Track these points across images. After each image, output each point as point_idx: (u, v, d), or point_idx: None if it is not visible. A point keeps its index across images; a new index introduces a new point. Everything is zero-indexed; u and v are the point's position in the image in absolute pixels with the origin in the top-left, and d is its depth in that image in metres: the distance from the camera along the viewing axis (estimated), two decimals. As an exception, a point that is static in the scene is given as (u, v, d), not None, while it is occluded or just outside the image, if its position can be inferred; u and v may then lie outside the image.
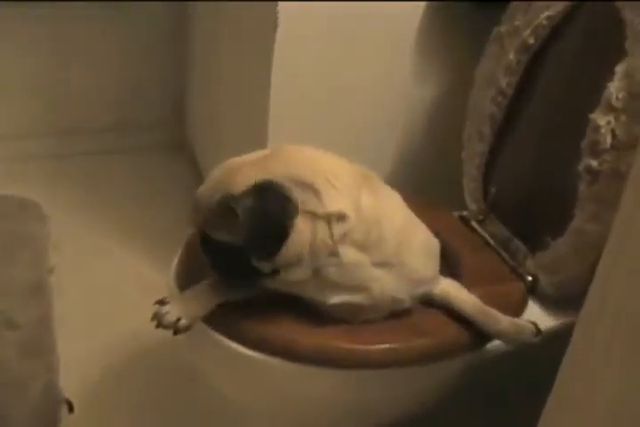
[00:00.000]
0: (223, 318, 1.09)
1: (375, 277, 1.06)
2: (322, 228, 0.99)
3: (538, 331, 1.12)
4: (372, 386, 1.12)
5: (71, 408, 1.47)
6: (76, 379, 1.54)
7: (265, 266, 1.01)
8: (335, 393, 1.12)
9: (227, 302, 1.08)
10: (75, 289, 1.79)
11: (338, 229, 1.00)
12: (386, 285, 1.08)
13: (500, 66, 1.35)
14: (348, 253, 1.02)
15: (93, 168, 2.31)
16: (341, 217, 1.00)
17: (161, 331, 1.66)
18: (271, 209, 0.97)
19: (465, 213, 1.42)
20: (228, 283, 1.08)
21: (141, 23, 2.26)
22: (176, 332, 1.06)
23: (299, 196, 0.98)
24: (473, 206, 1.42)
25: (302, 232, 0.98)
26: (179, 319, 1.05)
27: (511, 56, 1.32)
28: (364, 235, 1.03)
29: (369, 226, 1.03)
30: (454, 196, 1.47)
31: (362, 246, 1.03)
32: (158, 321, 1.06)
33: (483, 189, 1.41)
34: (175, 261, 1.23)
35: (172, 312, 1.05)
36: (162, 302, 1.07)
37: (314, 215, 0.98)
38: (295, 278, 1.02)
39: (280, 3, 1.43)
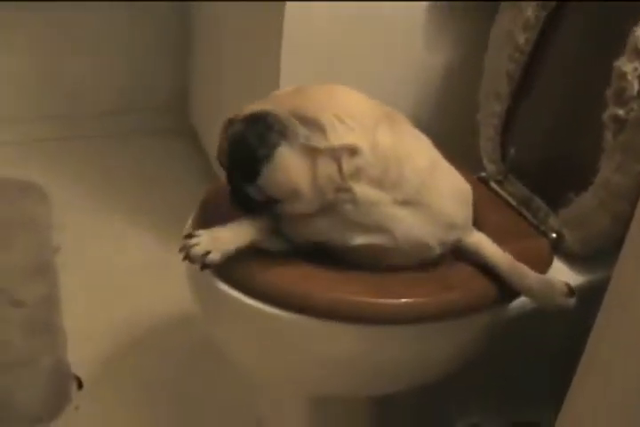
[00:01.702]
0: (241, 273, 1.05)
1: (397, 216, 1.04)
2: (325, 162, 0.98)
3: (570, 292, 1.07)
4: (398, 342, 1.08)
5: (80, 385, 1.46)
6: (84, 356, 1.54)
7: (255, 193, 1.00)
8: (358, 350, 1.08)
9: (250, 252, 1.04)
10: (82, 268, 1.78)
11: (348, 164, 0.99)
12: (410, 226, 1.05)
13: (517, 23, 1.31)
14: (364, 190, 1.01)
15: (98, 151, 2.30)
16: (352, 152, 0.99)
17: (168, 308, 1.68)
18: (250, 136, 0.98)
19: (483, 174, 1.39)
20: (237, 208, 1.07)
21: (147, 8, 2.25)
22: (203, 267, 1.01)
23: (302, 131, 0.98)
24: (491, 167, 1.39)
25: (298, 166, 0.98)
26: (208, 253, 1.00)
27: (529, 12, 1.29)
28: (381, 172, 1.01)
29: (387, 163, 1.01)
30: (468, 160, 1.43)
31: (379, 184, 1.02)
32: (185, 253, 1.00)
33: (500, 150, 1.38)
34: (190, 222, 1.20)
35: (201, 244, 1.00)
36: (190, 236, 1.01)
37: (316, 150, 0.98)
38: (298, 211, 1.01)
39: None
